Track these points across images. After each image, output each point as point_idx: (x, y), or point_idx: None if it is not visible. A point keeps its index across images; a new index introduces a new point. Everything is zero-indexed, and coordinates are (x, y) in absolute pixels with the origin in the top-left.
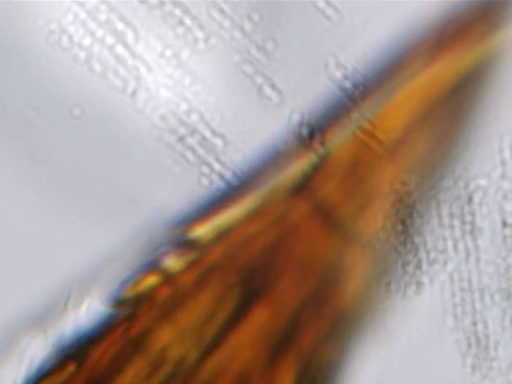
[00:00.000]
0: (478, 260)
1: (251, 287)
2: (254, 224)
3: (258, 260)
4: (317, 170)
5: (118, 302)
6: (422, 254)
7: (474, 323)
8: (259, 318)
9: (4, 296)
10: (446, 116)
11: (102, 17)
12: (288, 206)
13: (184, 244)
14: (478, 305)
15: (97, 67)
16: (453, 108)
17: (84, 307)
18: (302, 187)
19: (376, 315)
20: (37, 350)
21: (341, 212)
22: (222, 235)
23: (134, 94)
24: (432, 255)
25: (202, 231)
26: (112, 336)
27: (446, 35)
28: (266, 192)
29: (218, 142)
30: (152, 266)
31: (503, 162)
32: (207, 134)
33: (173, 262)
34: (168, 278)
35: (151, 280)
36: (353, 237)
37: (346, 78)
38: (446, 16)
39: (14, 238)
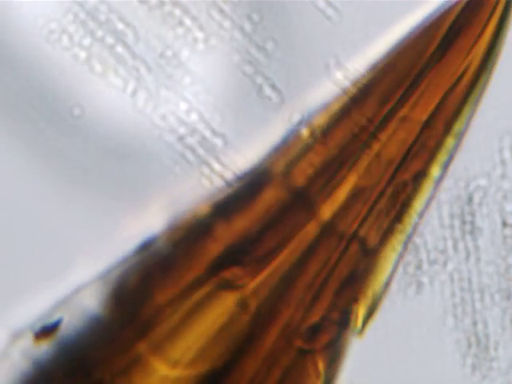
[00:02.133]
0: (477, 260)
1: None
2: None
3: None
4: (315, 167)
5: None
6: (422, 254)
7: (474, 323)
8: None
9: (5, 294)
10: (447, 115)
11: (102, 17)
12: (276, 200)
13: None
14: (478, 305)
15: (97, 67)
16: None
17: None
18: (298, 183)
19: (374, 315)
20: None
21: (331, 208)
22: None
23: (133, 93)
24: (432, 255)
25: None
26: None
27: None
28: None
29: (218, 142)
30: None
31: (503, 162)
32: (207, 134)
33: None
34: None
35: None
36: (347, 234)
37: (345, 77)
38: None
39: (14, 237)
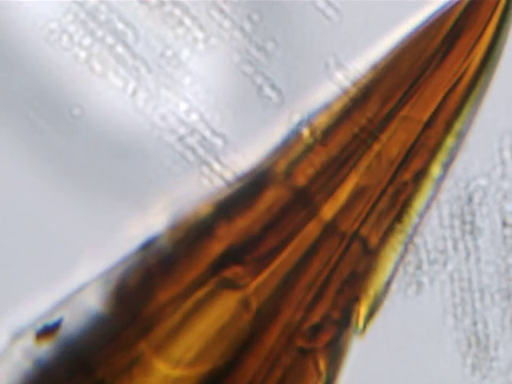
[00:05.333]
0: (477, 260)
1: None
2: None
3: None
4: (316, 167)
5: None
6: (422, 254)
7: (474, 323)
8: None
9: (6, 295)
10: (447, 115)
11: (102, 17)
12: (278, 200)
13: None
14: (477, 305)
15: (97, 67)
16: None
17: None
18: (300, 183)
19: (376, 315)
20: (43, 351)
21: (333, 207)
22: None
23: (134, 94)
24: (432, 255)
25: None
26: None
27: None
28: (255, 183)
29: (218, 142)
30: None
31: (503, 162)
32: (207, 134)
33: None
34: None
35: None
36: (346, 232)
37: (345, 78)
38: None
39: (15, 237)
